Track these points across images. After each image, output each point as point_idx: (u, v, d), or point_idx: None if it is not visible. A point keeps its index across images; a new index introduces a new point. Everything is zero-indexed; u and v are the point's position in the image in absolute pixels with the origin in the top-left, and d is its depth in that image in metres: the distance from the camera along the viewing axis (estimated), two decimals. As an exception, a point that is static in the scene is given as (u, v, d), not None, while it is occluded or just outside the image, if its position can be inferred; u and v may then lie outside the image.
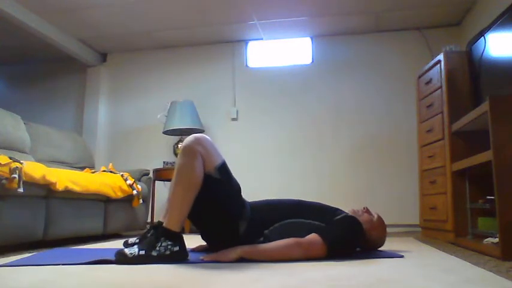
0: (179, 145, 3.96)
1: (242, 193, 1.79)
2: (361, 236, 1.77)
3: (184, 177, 1.61)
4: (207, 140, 1.69)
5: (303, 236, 1.66)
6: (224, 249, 1.66)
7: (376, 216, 1.87)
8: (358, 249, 1.86)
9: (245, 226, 1.70)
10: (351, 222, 1.75)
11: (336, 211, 1.85)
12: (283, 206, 1.85)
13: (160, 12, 3.74)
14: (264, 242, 1.69)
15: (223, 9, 3.71)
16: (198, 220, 1.79)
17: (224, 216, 1.71)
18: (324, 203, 1.95)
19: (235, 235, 1.69)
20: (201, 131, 3.89)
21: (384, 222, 1.88)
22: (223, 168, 1.71)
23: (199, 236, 1.88)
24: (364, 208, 1.89)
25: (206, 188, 1.64)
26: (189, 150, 1.63)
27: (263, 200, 1.90)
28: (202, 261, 1.57)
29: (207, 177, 1.65)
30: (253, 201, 1.87)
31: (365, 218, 1.82)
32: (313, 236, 1.63)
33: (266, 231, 1.71)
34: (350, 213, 1.84)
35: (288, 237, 1.66)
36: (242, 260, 1.56)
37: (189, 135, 1.72)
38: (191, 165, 1.61)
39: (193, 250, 1.98)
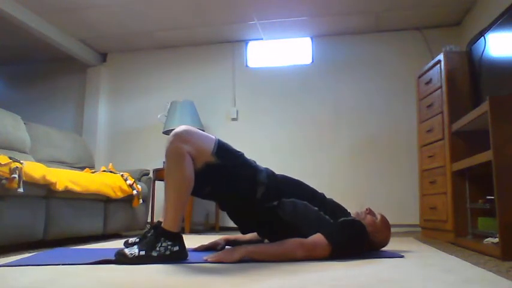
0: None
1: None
2: (365, 240, 1.77)
3: (174, 180, 1.59)
4: (189, 133, 1.62)
5: (311, 224, 1.67)
6: (241, 213, 1.70)
7: (379, 217, 1.86)
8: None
9: (263, 190, 1.70)
10: (355, 226, 1.74)
11: (344, 212, 1.84)
12: (304, 187, 1.86)
13: (160, 12, 3.74)
14: (277, 207, 1.70)
15: (223, 9, 3.71)
16: (214, 198, 1.85)
17: (239, 189, 1.71)
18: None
19: (253, 199, 1.70)
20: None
21: (387, 222, 1.88)
22: (220, 150, 1.66)
23: (200, 236, 1.89)
24: (367, 209, 1.88)
25: (211, 175, 1.64)
26: (175, 152, 1.58)
27: (288, 176, 1.88)
28: (205, 262, 1.56)
29: (208, 166, 1.62)
30: (279, 174, 1.85)
31: (368, 221, 1.81)
32: (317, 237, 1.63)
33: (284, 199, 1.72)
34: (354, 217, 1.83)
35: (299, 217, 1.69)
36: (245, 260, 1.56)
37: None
38: (179, 167, 1.57)
39: (196, 250, 1.98)
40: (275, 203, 1.70)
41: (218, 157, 1.64)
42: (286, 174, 1.89)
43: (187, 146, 1.59)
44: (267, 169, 1.81)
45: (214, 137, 1.70)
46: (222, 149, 1.68)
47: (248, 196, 1.71)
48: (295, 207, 1.72)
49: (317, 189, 1.90)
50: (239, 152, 1.75)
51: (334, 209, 1.83)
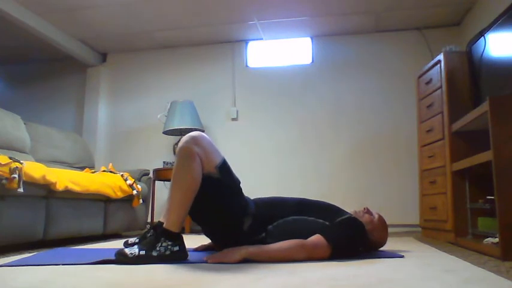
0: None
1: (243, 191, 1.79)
2: (364, 238, 1.76)
3: (182, 180, 1.59)
4: (204, 138, 1.65)
5: (306, 233, 1.65)
6: (227, 244, 1.65)
7: (376, 216, 1.86)
8: (360, 248, 1.85)
9: (249, 222, 1.69)
10: (353, 224, 1.74)
11: (338, 211, 1.84)
12: (287, 203, 1.85)
13: (160, 12, 3.74)
14: (266, 237, 1.68)
15: (223, 9, 3.71)
16: (200, 219, 1.78)
17: (228, 214, 1.70)
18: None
19: (239, 231, 1.69)
20: (201, 131, 3.87)
21: (385, 222, 1.88)
22: (224, 166, 1.69)
23: (200, 236, 1.88)
24: (364, 209, 1.88)
25: (207, 188, 1.63)
26: (186, 152, 1.60)
27: (267, 197, 1.89)
28: (205, 262, 1.56)
29: (208, 178, 1.63)
30: (256, 198, 1.86)
31: (366, 219, 1.81)
32: (317, 238, 1.62)
33: (270, 227, 1.70)
34: (352, 215, 1.83)
35: (290, 234, 1.65)
36: (245, 260, 1.56)
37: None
38: (189, 168, 1.59)
39: (196, 250, 1.99)
40: (263, 234, 1.69)
41: (220, 172, 1.66)
42: (263, 197, 1.89)
43: (198, 149, 1.61)
44: (250, 199, 1.81)
45: (222, 155, 1.72)
46: (226, 168, 1.71)
47: (235, 226, 1.69)
48: (283, 228, 1.71)
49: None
50: (238, 179, 1.77)
51: (329, 211, 1.82)
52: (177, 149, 1.64)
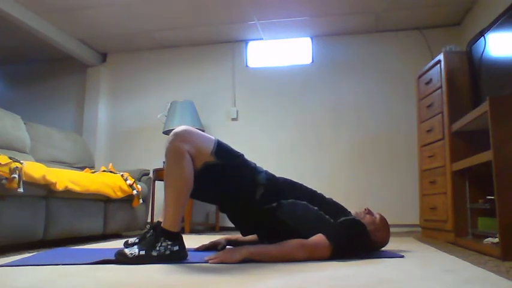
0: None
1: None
2: (366, 239, 1.76)
3: (174, 180, 1.59)
4: (190, 132, 1.63)
5: (312, 226, 1.67)
6: (241, 215, 1.71)
7: (378, 216, 1.86)
8: (361, 249, 1.85)
9: (261, 191, 1.71)
10: (355, 225, 1.74)
11: (342, 211, 1.84)
12: (301, 188, 1.87)
13: (160, 12, 3.74)
14: (276, 208, 1.70)
15: (223, 9, 3.71)
16: (212, 201, 1.86)
17: (238, 191, 1.71)
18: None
19: (251, 201, 1.70)
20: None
21: (386, 222, 1.88)
22: (219, 150, 1.67)
23: (201, 236, 1.89)
24: (365, 209, 1.89)
25: (211, 176, 1.64)
26: (175, 151, 1.59)
27: (286, 178, 1.90)
28: (206, 262, 1.56)
29: (207, 167, 1.63)
30: (279, 176, 1.86)
31: (368, 220, 1.81)
32: (318, 238, 1.63)
33: (283, 201, 1.72)
34: (355, 217, 1.83)
35: (299, 218, 1.69)
36: (246, 260, 1.56)
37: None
38: (179, 167, 1.58)
39: (197, 250, 1.98)
40: (274, 204, 1.71)
41: (217, 157, 1.65)
42: (285, 177, 1.90)
43: (187, 146, 1.59)
44: (266, 171, 1.82)
45: (213, 138, 1.71)
46: (222, 149, 1.69)
47: (247, 197, 1.71)
48: (294, 207, 1.73)
49: (316, 190, 1.90)
50: (239, 152, 1.76)
51: (334, 209, 1.83)
52: (165, 149, 1.63)
